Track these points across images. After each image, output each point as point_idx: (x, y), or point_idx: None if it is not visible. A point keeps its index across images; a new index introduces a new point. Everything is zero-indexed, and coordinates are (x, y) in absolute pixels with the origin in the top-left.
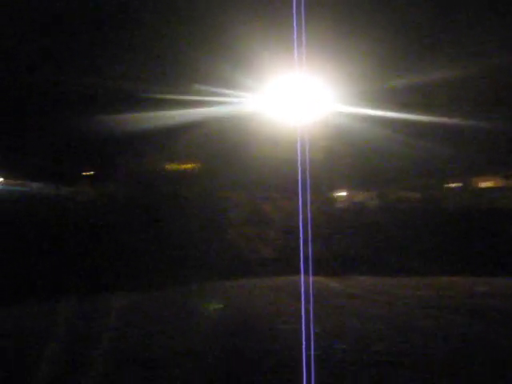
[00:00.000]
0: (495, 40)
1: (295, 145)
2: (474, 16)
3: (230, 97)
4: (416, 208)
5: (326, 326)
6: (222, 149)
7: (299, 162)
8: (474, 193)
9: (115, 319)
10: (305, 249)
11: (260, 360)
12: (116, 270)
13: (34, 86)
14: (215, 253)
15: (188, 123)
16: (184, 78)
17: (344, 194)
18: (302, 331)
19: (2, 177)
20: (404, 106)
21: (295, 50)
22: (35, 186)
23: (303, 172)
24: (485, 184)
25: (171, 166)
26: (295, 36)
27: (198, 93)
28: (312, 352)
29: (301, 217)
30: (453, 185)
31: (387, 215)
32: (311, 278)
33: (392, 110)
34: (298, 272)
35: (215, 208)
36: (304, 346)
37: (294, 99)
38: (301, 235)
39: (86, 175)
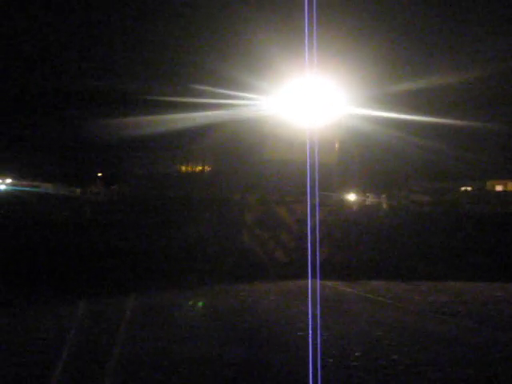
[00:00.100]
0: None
1: (308, 147)
2: (490, 19)
3: (242, 99)
4: (429, 211)
5: (339, 332)
6: (236, 151)
7: (308, 165)
8: (490, 196)
9: (125, 322)
10: (316, 252)
11: (269, 368)
12: (126, 272)
13: (47, 89)
14: (227, 255)
15: (201, 126)
16: (197, 81)
17: (357, 197)
18: (314, 337)
19: (12, 178)
20: (417, 109)
21: (308, 53)
22: (47, 186)
23: (315, 174)
24: (500, 187)
25: (185, 168)
26: (307, 39)
27: (212, 95)
28: (319, 359)
29: (313, 220)
30: (468, 188)
31: (400, 218)
32: (319, 282)
33: (405, 112)
34: (308, 276)
35: (228, 210)
36: (311, 353)
37: (308, 102)
38: (311, 239)
39: (101, 176)
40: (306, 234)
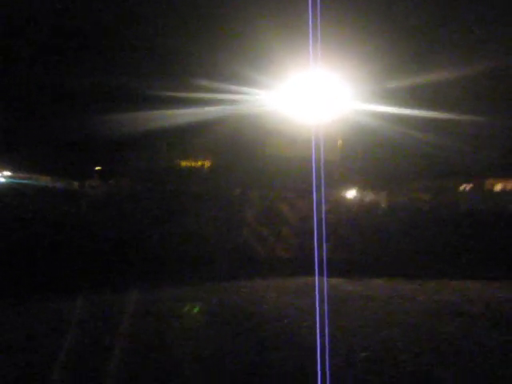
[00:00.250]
0: None
1: (312, 143)
2: (498, 12)
3: (245, 94)
4: (436, 209)
5: (346, 332)
6: (237, 147)
7: (314, 161)
8: (497, 194)
9: (126, 319)
10: (320, 250)
11: (276, 366)
12: (125, 267)
13: (47, 83)
14: (229, 252)
15: (203, 121)
16: (199, 76)
17: (361, 193)
18: (321, 335)
19: (10, 171)
20: (423, 104)
21: (312, 47)
22: (45, 179)
23: (319, 171)
24: (500, 185)
25: (186, 164)
26: (311, 32)
27: (214, 90)
28: (327, 360)
29: (317, 217)
30: (474, 186)
31: (405, 216)
32: (326, 280)
33: (411, 107)
34: (313, 273)
35: (230, 206)
36: (319, 353)
37: (311, 97)
38: (315, 235)
39: (99, 170)
40: (308, 230)
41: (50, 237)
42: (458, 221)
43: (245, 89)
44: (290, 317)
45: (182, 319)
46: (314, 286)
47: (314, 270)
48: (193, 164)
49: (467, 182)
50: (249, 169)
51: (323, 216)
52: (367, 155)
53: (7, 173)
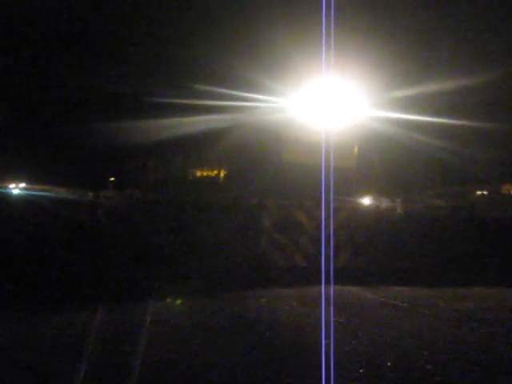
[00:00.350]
0: None
1: (329, 151)
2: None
3: (260, 102)
4: (452, 216)
5: (366, 340)
6: (253, 155)
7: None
8: (506, 200)
9: (143, 328)
10: (336, 258)
11: (295, 377)
12: (142, 277)
13: (58, 92)
14: (247, 261)
15: (219, 129)
16: (215, 84)
17: (377, 200)
18: (340, 345)
19: (25, 182)
20: (439, 111)
21: (326, 54)
22: (60, 191)
23: (330, 178)
24: None
25: (201, 173)
26: (326, 40)
27: (228, 98)
28: (331, 366)
29: (330, 225)
30: (490, 192)
31: (422, 223)
32: (341, 288)
33: (427, 114)
34: (328, 281)
35: (247, 215)
36: (337, 362)
37: (327, 104)
38: (332, 243)
39: (114, 181)
40: (326, 238)
41: (68, 248)
42: (475, 227)
43: (261, 96)
44: (311, 325)
45: (197, 329)
46: (332, 295)
47: (331, 279)
48: (208, 173)
49: (483, 188)
50: (265, 177)
51: (339, 224)
52: (383, 162)
53: (22, 184)
